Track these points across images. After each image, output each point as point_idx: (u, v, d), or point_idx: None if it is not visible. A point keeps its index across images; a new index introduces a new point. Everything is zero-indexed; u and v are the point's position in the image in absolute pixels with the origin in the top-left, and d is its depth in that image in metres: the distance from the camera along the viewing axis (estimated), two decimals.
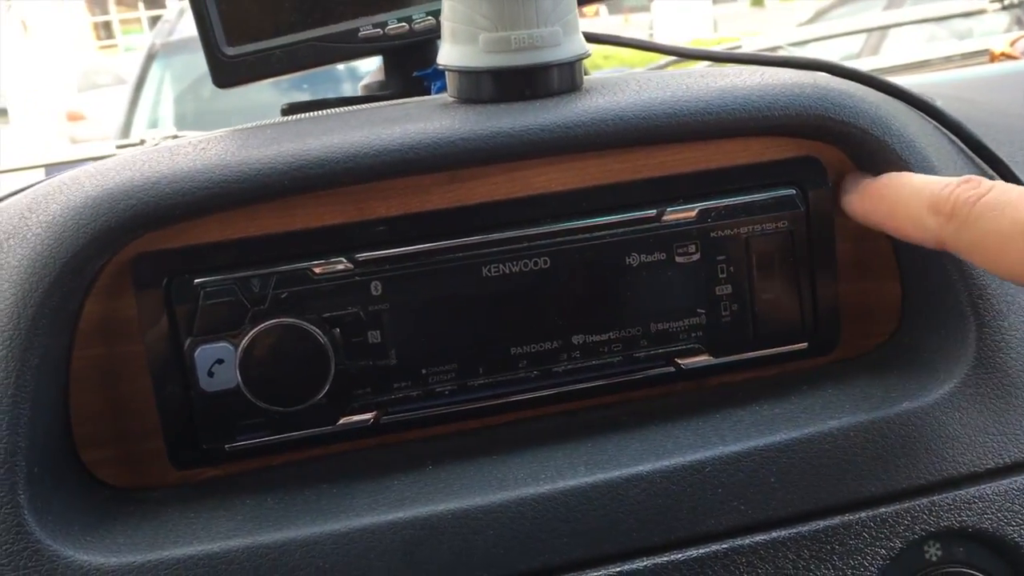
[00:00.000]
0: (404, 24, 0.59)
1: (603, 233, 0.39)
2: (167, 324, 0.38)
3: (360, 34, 0.59)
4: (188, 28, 3.61)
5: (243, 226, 0.38)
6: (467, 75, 0.41)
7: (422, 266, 0.38)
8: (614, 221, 0.39)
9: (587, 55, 0.41)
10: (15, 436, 0.36)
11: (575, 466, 0.38)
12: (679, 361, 0.41)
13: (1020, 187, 0.32)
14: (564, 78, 0.41)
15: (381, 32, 0.59)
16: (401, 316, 0.39)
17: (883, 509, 0.38)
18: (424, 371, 0.39)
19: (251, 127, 0.46)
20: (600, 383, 0.40)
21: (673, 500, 0.38)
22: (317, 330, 0.37)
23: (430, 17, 0.59)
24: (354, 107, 0.49)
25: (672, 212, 0.40)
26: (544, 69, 0.40)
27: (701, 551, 0.38)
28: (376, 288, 0.38)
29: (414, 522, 0.36)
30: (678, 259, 0.40)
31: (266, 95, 3.37)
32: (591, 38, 0.43)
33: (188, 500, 0.38)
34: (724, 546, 0.37)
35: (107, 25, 15.86)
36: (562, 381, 0.40)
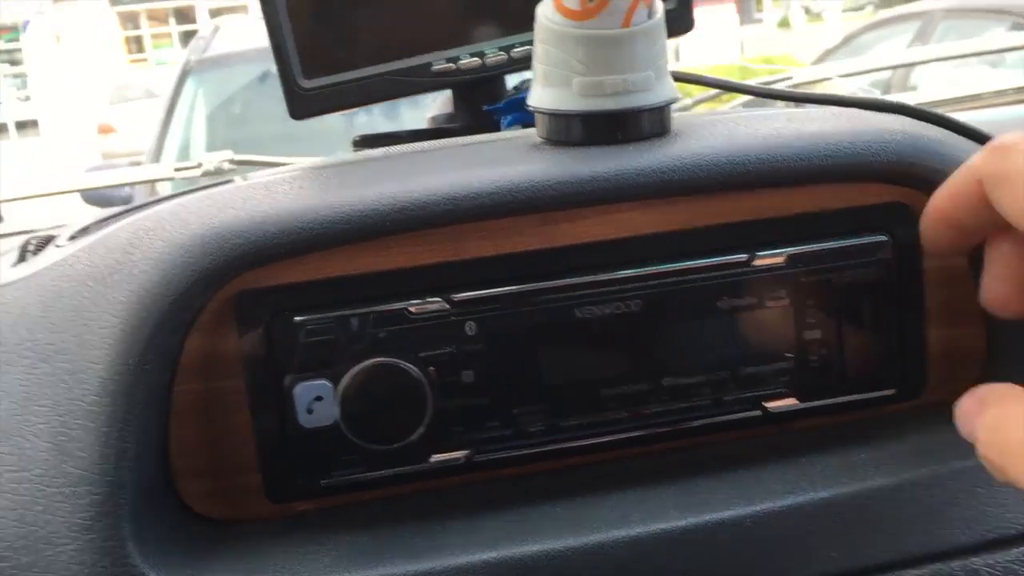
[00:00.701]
0: (476, 59, 0.60)
1: (695, 276, 0.40)
2: (268, 361, 0.38)
3: (433, 68, 0.59)
4: (222, 45, 3.65)
5: (342, 264, 0.39)
6: (558, 118, 0.42)
7: (516, 307, 0.39)
8: (706, 265, 0.40)
9: (677, 99, 0.42)
10: (120, 470, 0.36)
11: (665, 509, 0.38)
12: (766, 405, 0.41)
13: None
14: (654, 122, 0.41)
15: (454, 67, 0.60)
16: (494, 356, 0.39)
17: (975, 559, 0.38)
18: (516, 411, 0.39)
19: (339, 162, 0.47)
20: (688, 425, 0.41)
21: (764, 545, 0.38)
22: (416, 369, 0.38)
23: (502, 52, 0.60)
24: (438, 143, 0.50)
25: (762, 257, 0.40)
26: (636, 113, 0.41)
27: None
28: (471, 328, 0.39)
29: (507, 562, 0.37)
30: (768, 303, 0.40)
31: (283, 117, 3.41)
32: (677, 77, 0.44)
33: (283, 534, 0.39)
34: None
35: (138, 39, 16.09)
36: (651, 423, 0.40)
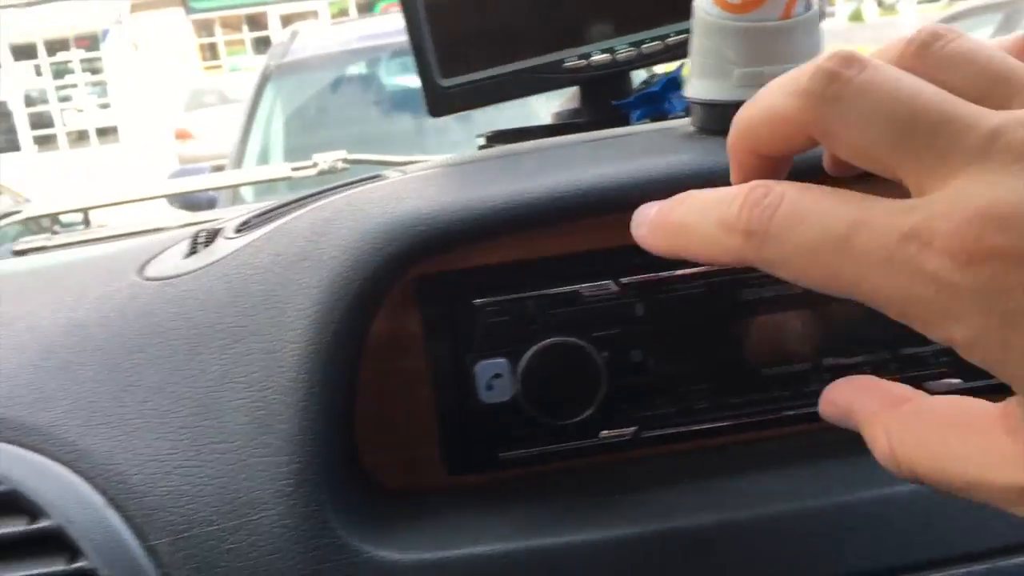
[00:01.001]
0: (607, 55, 0.61)
1: None
2: (449, 341, 0.41)
3: (565, 65, 0.61)
4: (301, 50, 3.73)
5: (516, 250, 0.41)
6: (716, 107, 0.43)
7: (683, 289, 0.41)
8: None
9: None
10: (317, 442, 0.39)
11: (833, 483, 0.40)
12: (927, 385, 0.42)
13: (811, 187, 0.28)
14: None
15: (585, 63, 0.61)
16: (661, 336, 0.41)
17: None
18: (681, 389, 0.41)
19: (494, 156, 0.49)
20: None
21: (931, 519, 0.39)
22: (591, 348, 0.40)
23: (633, 49, 0.61)
24: (580, 136, 0.52)
25: None
26: None
27: (962, 570, 0.39)
28: (639, 309, 0.40)
29: (681, 532, 0.38)
30: None
31: (369, 117, 3.46)
32: None
33: (462, 503, 0.41)
34: None
35: (212, 46, 16.50)
36: (812, 401, 0.42)
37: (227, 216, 0.62)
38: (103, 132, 16.37)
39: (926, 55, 0.29)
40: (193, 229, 0.58)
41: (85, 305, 0.50)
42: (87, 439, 0.42)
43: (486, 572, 0.39)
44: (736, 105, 0.42)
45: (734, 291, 0.41)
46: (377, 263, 0.39)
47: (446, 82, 0.61)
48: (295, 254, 0.43)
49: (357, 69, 3.68)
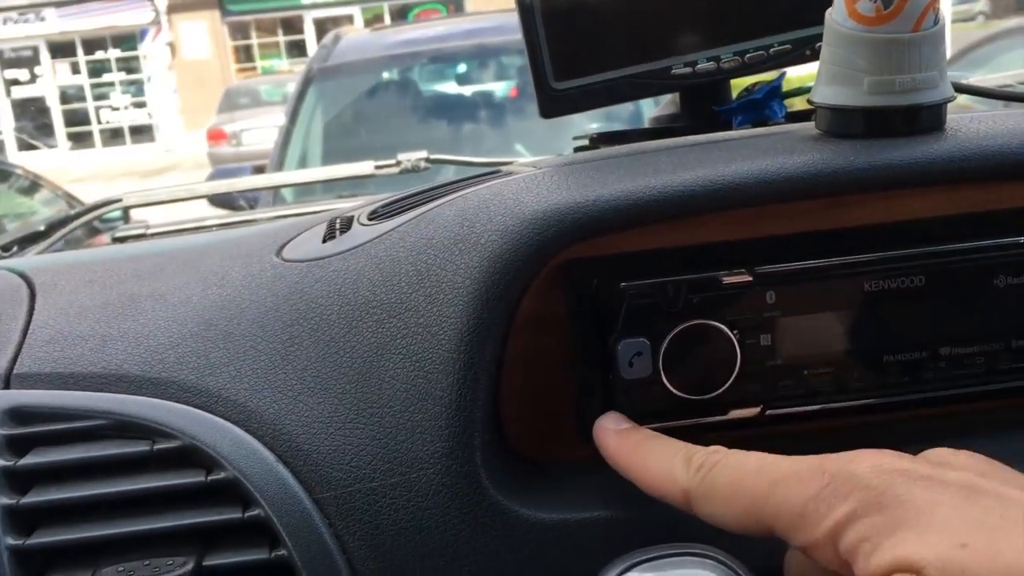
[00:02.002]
0: (712, 63, 0.65)
1: (974, 256, 0.44)
2: (594, 320, 0.44)
3: (672, 72, 0.65)
4: (344, 54, 3.78)
5: (657, 239, 0.44)
6: (843, 112, 0.46)
7: (811, 279, 0.44)
8: (985, 246, 0.44)
9: (955, 98, 0.46)
10: (473, 410, 0.42)
11: None
12: None
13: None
14: (933, 117, 0.46)
15: (691, 70, 0.65)
16: (789, 322, 0.44)
17: None
18: (806, 372, 0.44)
19: (625, 155, 0.53)
20: (963, 391, 0.45)
21: None
22: (729, 332, 0.43)
23: (737, 58, 0.65)
24: (696, 138, 0.55)
25: None
26: (920, 109, 0.45)
27: None
28: (771, 297, 0.43)
29: None
30: None
31: (405, 124, 3.52)
32: (960, 88, 0.48)
33: (596, 472, 0.44)
34: None
35: (247, 48, 16.69)
36: (928, 388, 0.45)
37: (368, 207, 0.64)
38: (137, 131, 16.58)
39: None
40: (325, 216, 0.62)
41: (233, 283, 0.54)
42: (255, 402, 0.46)
43: (622, 533, 0.42)
44: (864, 111, 0.46)
45: (859, 283, 0.44)
46: (534, 247, 0.43)
47: (559, 85, 0.64)
48: (449, 238, 0.46)
49: (398, 74, 3.74)
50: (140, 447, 0.45)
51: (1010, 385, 0.45)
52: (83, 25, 16.27)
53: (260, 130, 9.42)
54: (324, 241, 0.56)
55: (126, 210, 1.14)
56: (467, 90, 3.57)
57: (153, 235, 0.93)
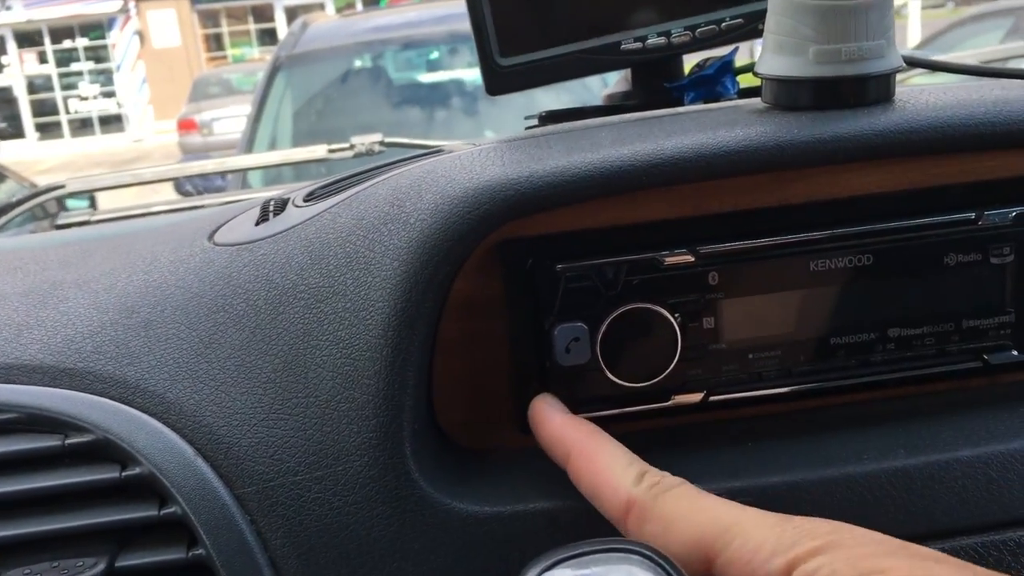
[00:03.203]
0: (663, 39, 0.63)
1: (924, 233, 0.42)
2: (530, 304, 0.42)
3: (622, 47, 0.63)
4: (312, 41, 3.74)
5: (596, 217, 0.42)
6: (789, 83, 0.45)
7: (755, 259, 0.42)
8: (934, 223, 0.42)
9: (903, 68, 0.44)
10: (402, 397, 0.40)
11: (894, 448, 0.41)
12: (987, 357, 0.43)
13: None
14: (882, 88, 0.44)
15: (641, 46, 0.63)
16: (733, 304, 0.42)
17: None
18: (751, 356, 0.42)
19: (567, 130, 0.51)
20: (912, 373, 0.43)
21: (991, 484, 0.40)
22: (669, 315, 0.41)
23: (688, 32, 0.63)
24: (646, 114, 0.53)
25: (989, 215, 0.42)
26: (868, 79, 0.43)
27: (1020, 534, 0.40)
28: (713, 278, 0.42)
29: (750, 490, 0.40)
30: (993, 260, 0.42)
31: (377, 108, 3.48)
32: (910, 61, 0.46)
33: (535, 461, 0.42)
34: None
35: (217, 37, 16.49)
36: (877, 370, 0.43)
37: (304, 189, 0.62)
38: (106, 120, 16.36)
39: None
40: (259, 198, 0.60)
41: (160, 268, 0.51)
42: (174, 393, 0.43)
43: (562, 526, 0.40)
44: (811, 81, 0.44)
45: (804, 263, 0.42)
46: (465, 225, 0.40)
47: (504, 61, 0.62)
48: (379, 218, 0.44)
49: (366, 61, 3.70)
50: (52, 441, 0.43)
51: (960, 367, 0.43)
52: (50, 14, 16.01)
53: (231, 119, 9.33)
54: (257, 224, 0.54)
55: (65, 197, 1.11)
56: (437, 76, 3.53)
57: (97, 222, 0.90)
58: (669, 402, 0.43)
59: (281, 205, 0.55)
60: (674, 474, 0.40)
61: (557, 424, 0.40)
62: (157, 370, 0.44)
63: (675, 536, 0.33)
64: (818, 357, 0.43)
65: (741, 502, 0.40)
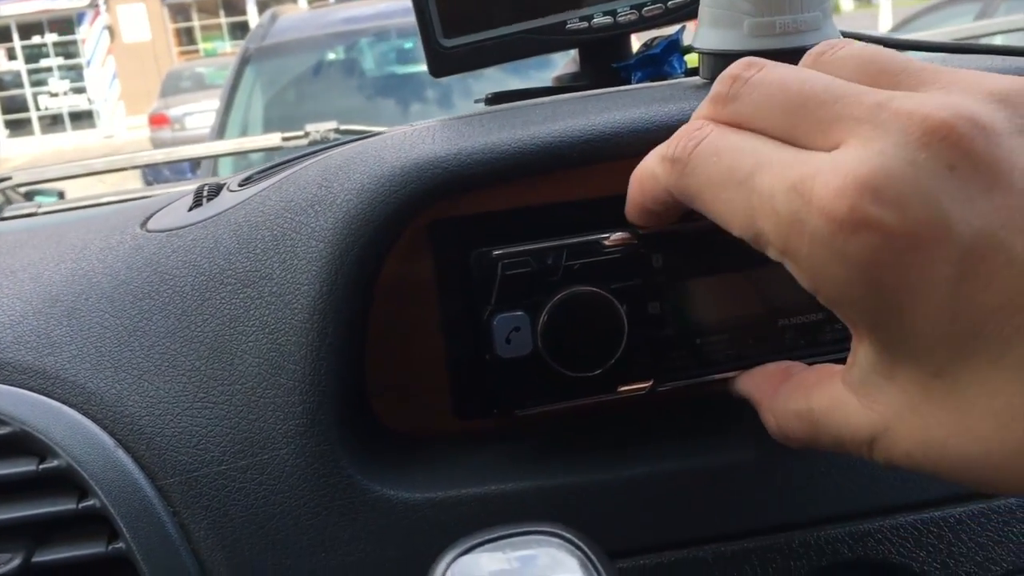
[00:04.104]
0: (609, 18, 0.62)
1: None
2: (465, 292, 0.40)
3: (567, 27, 0.62)
4: (280, 33, 3.71)
5: (529, 196, 0.41)
6: (726, 58, 0.43)
7: (700, 239, 0.41)
8: None
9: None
10: (329, 383, 0.39)
11: None
12: None
13: (738, 132, 0.31)
14: None
15: (587, 25, 0.62)
16: (678, 288, 0.41)
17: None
18: (698, 341, 0.41)
19: (503, 109, 0.49)
20: None
21: None
22: (614, 300, 0.40)
23: (634, 11, 0.62)
24: (590, 92, 0.52)
25: None
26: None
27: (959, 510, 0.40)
28: (657, 260, 0.40)
29: (693, 472, 0.39)
30: None
31: (348, 100, 3.46)
32: (850, 36, 0.45)
33: (472, 447, 0.41)
34: None
35: (189, 31, 16.33)
36: (825, 351, 0.42)
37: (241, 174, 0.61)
38: (77, 116, 16.17)
39: (819, 62, 0.33)
40: (194, 186, 0.58)
41: (89, 257, 0.50)
42: (95, 382, 0.42)
43: (497, 511, 0.39)
44: (746, 54, 0.43)
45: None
46: (392, 205, 0.39)
47: (448, 42, 0.61)
48: (306, 199, 0.42)
49: (336, 53, 3.67)
50: None
51: None
52: (19, 9, 15.79)
53: (203, 114, 9.23)
54: (190, 210, 0.52)
55: (17, 189, 1.08)
56: (408, 67, 3.51)
57: (44, 214, 0.88)
58: (616, 393, 0.41)
59: (216, 190, 0.53)
60: (616, 459, 0.39)
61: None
62: (79, 359, 0.43)
63: (723, 211, 0.32)
64: (767, 340, 0.42)
65: (683, 485, 0.39)
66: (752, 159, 0.30)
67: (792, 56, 0.42)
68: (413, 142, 0.42)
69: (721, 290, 0.41)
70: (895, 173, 0.26)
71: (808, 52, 0.34)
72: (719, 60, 0.44)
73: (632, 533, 0.39)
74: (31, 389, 0.42)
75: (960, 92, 0.28)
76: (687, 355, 0.41)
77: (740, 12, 0.42)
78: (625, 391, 0.41)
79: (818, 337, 0.42)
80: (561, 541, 0.29)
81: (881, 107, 0.28)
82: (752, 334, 0.42)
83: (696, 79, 0.47)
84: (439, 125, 0.46)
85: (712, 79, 0.44)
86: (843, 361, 0.32)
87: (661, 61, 0.62)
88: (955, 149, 0.26)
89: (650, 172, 0.35)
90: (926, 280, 0.26)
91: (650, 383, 0.41)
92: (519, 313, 0.39)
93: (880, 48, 0.32)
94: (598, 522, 0.39)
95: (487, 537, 0.29)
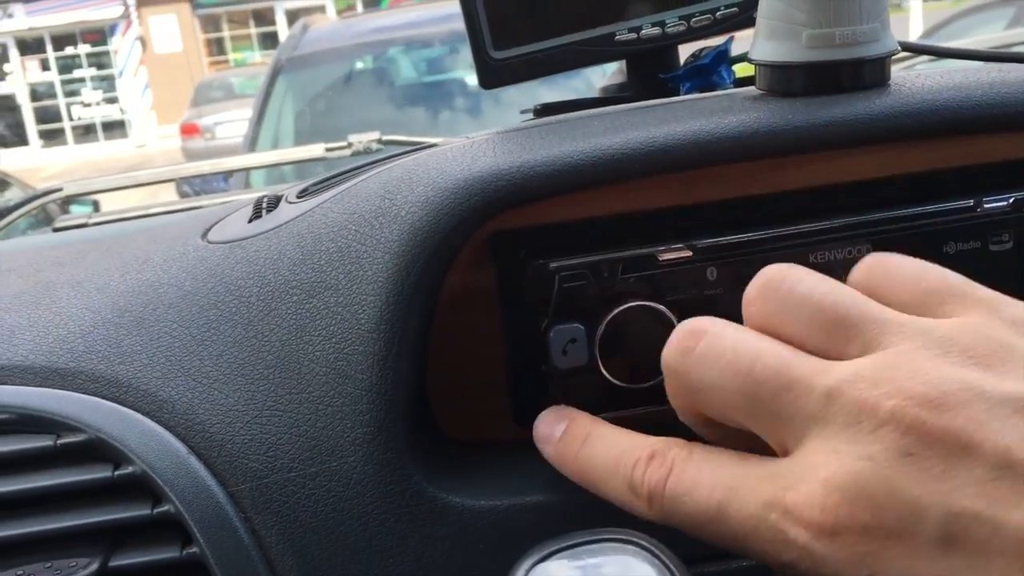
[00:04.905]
0: (657, 29, 0.62)
1: (923, 222, 0.41)
2: (524, 304, 0.41)
3: (616, 38, 0.62)
4: (312, 43, 3.74)
5: (589, 207, 0.42)
6: (782, 69, 0.44)
7: (754, 252, 0.41)
8: (933, 211, 0.41)
9: (899, 51, 0.44)
10: (396, 391, 0.40)
11: None
12: None
13: (695, 450, 0.32)
14: (876, 72, 0.43)
15: (636, 36, 0.62)
16: (732, 300, 0.41)
17: None
18: None
19: (557, 121, 0.50)
20: None
21: None
22: (669, 312, 0.40)
23: (682, 23, 0.62)
24: (643, 104, 0.52)
25: (988, 202, 0.41)
26: (863, 63, 0.43)
27: None
28: (712, 274, 0.41)
29: None
30: (992, 247, 0.42)
31: (379, 109, 3.48)
32: (906, 47, 0.46)
33: (530, 454, 0.42)
34: None
35: (219, 41, 16.52)
36: None
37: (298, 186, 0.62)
38: (109, 126, 16.40)
39: (765, 301, 0.33)
40: (251, 197, 0.59)
41: (153, 267, 0.51)
42: (166, 391, 0.43)
43: (561, 518, 0.39)
44: (804, 66, 0.43)
45: (804, 254, 0.41)
46: (456, 217, 0.40)
47: (498, 54, 0.61)
48: (370, 211, 0.43)
49: (367, 62, 3.70)
50: (44, 442, 0.42)
51: None
52: (52, 21, 16.06)
53: (234, 123, 9.33)
54: (250, 221, 0.53)
55: (66, 201, 1.10)
56: (439, 76, 3.53)
57: (95, 224, 0.90)
58: (667, 404, 0.42)
59: (274, 202, 0.55)
60: None
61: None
62: (149, 368, 0.44)
63: (696, 523, 0.32)
64: None
65: None
66: (721, 487, 0.31)
67: (851, 67, 0.43)
68: (475, 155, 0.43)
69: None
70: (854, 471, 0.27)
71: (750, 286, 0.34)
72: (776, 71, 0.44)
73: (695, 539, 0.40)
74: (104, 397, 0.43)
75: (910, 356, 0.28)
76: None
77: (797, 24, 0.43)
78: None
79: None
80: (636, 548, 0.29)
81: (831, 400, 0.28)
82: None
83: (751, 89, 0.47)
84: (498, 137, 0.47)
85: (769, 91, 0.45)
86: None
87: (710, 72, 0.63)
88: (907, 435, 0.26)
89: (626, 504, 0.35)
90: (914, 563, 0.26)
91: None
92: (576, 325, 0.40)
93: (826, 291, 0.32)
94: (659, 531, 0.39)
95: (563, 544, 0.30)
